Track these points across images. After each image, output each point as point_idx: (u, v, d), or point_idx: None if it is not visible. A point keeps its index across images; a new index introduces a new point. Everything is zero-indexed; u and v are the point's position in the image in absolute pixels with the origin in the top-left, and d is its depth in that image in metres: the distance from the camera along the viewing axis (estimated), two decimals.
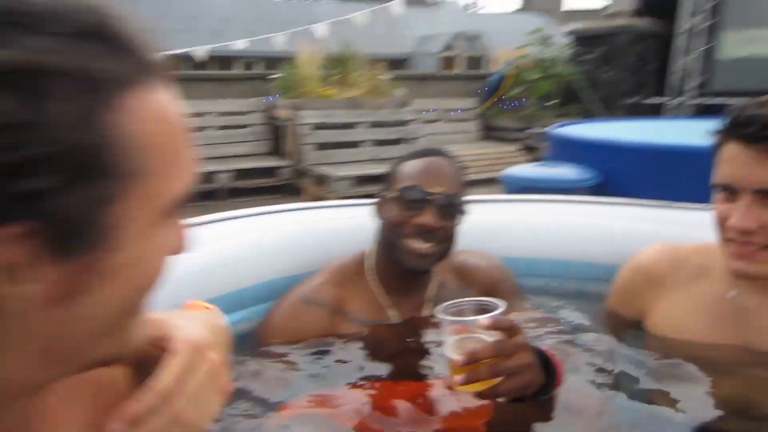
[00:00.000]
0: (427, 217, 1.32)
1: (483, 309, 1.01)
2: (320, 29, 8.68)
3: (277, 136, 7.63)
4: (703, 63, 8.90)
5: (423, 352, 1.37)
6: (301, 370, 1.32)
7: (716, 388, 1.28)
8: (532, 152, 8.14)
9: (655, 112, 9.04)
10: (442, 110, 9.01)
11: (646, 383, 1.28)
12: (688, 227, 1.80)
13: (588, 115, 8.91)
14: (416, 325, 1.44)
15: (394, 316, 1.45)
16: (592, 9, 18.56)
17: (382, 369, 1.33)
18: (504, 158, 7.72)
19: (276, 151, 7.61)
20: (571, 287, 1.92)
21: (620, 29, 9.45)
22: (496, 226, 1.96)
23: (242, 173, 6.89)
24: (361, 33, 8.83)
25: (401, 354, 1.40)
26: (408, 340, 1.44)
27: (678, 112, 8.93)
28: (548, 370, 1.01)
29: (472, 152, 7.81)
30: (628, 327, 1.51)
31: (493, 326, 0.97)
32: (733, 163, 1.20)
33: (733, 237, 1.21)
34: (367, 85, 7.56)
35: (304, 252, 1.74)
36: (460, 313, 1.00)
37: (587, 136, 4.42)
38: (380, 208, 1.44)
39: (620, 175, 3.90)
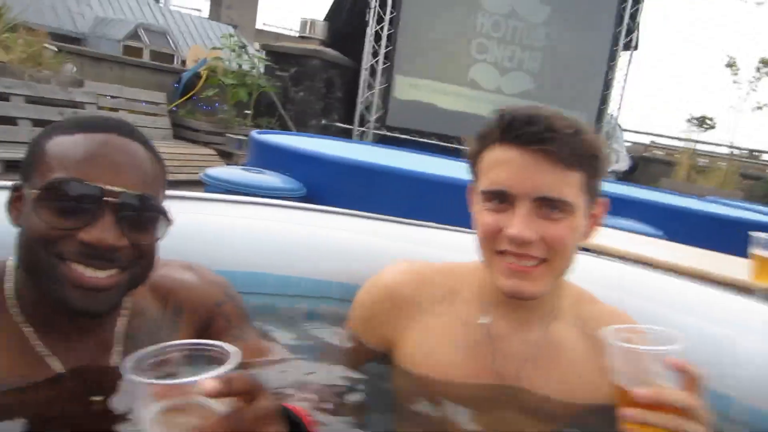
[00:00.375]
0: (101, 231, 0.83)
1: (198, 357, 0.70)
2: None
3: None
4: (383, 99, 10.01)
5: (124, 421, 0.89)
6: None
7: (468, 427, 1.17)
8: (227, 157, 7.85)
9: (342, 135, 9.74)
10: (125, 99, 7.87)
11: (403, 427, 1.14)
12: (415, 244, 1.73)
13: (282, 128, 9.10)
14: (98, 380, 0.94)
15: (58, 368, 0.91)
16: (284, 33, 19.35)
17: None
18: (197, 160, 7.15)
19: None
20: (301, 307, 1.65)
21: (311, 53, 9.98)
22: (206, 231, 1.56)
23: None
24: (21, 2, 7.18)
25: (94, 425, 0.89)
26: (94, 405, 0.91)
27: (363, 138, 9.88)
28: None
29: (164, 151, 6.97)
30: (374, 357, 1.32)
31: (222, 392, 0.63)
32: (508, 168, 1.08)
33: (507, 249, 1.09)
34: (22, 52, 6.10)
35: None
36: (164, 367, 0.68)
37: (295, 146, 4.39)
38: (17, 206, 0.91)
39: (322, 186, 3.94)
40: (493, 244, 1.11)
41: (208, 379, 0.62)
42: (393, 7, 9.67)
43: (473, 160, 1.15)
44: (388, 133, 9.93)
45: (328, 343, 1.34)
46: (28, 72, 6.02)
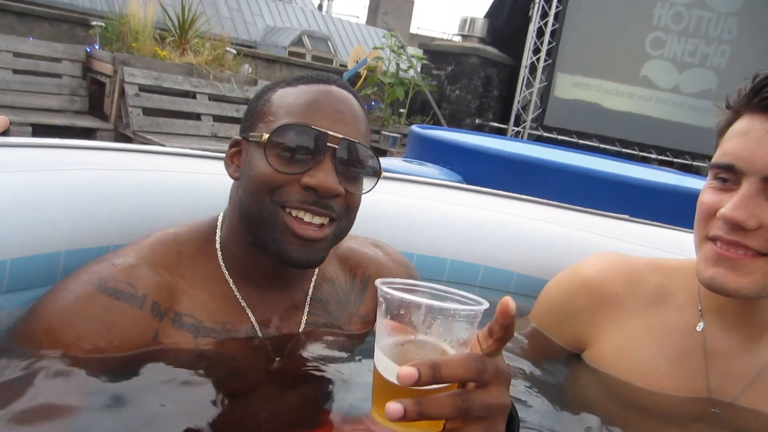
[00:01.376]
0: (325, 174, 0.85)
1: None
2: None
3: (95, 94, 6.45)
4: (542, 98, 9.60)
5: (305, 383, 0.93)
6: (96, 410, 0.76)
7: None
8: (382, 154, 8.04)
9: (497, 134, 9.50)
10: None
11: (586, 427, 1.00)
12: (612, 239, 1.52)
13: (437, 125, 9.13)
14: (285, 341, 0.97)
15: (255, 323, 0.96)
16: (437, 36, 19.62)
17: (241, 413, 0.84)
18: None
19: (93, 110, 6.42)
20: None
21: (469, 51, 9.87)
22: (382, 208, 1.49)
23: (45, 129, 5.64)
24: (203, 11, 7.97)
25: (270, 386, 0.91)
26: (279, 363, 0.94)
27: (518, 137, 9.54)
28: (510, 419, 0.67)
29: None
30: (561, 355, 1.18)
31: (494, 331, 0.59)
32: (744, 139, 0.90)
33: (719, 234, 0.90)
34: (208, 55, 6.74)
35: (111, 213, 1.10)
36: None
37: (455, 139, 4.36)
38: (235, 160, 0.96)
39: (480, 179, 3.85)
40: (705, 227, 0.94)
41: (479, 309, 0.59)
42: (559, 1, 9.23)
43: (720, 133, 0.97)
44: (545, 134, 9.52)
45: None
46: (213, 72, 6.62)
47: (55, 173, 1.09)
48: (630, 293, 1.11)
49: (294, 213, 0.85)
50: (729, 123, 0.95)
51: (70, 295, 0.83)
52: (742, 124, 0.92)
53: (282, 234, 0.86)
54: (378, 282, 0.62)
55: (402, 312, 0.60)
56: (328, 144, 0.85)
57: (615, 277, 1.13)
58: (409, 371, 0.55)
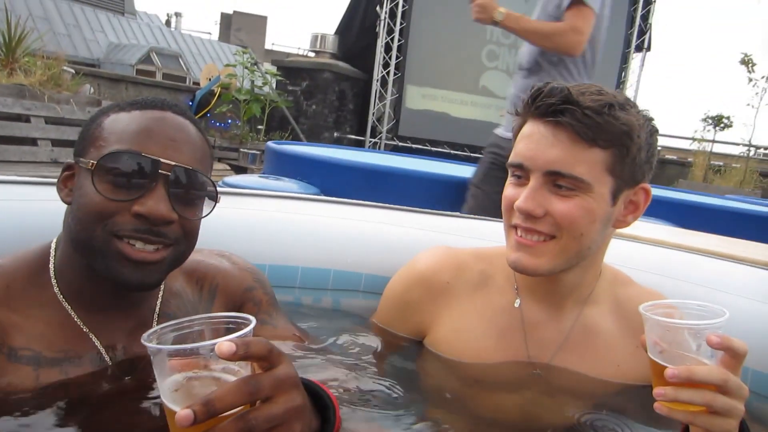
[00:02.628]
0: (156, 202, 0.84)
1: (222, 329, 0.68)
2: None
3: None
4: (395, 109, 10.04)
5: (154, 398, 0.90)
6: None
7: (502, 408, 1.16)
8: (241, 172, 7.90)
9: (355, 146, 9.80)
10: None
11: (432, 408, 1.11)
12: (443, 234, 1.70)
13: (296, 141, 9.17)
14: (134, 359, 0.95)
15: (101, 347, 0.93)
16: (292, 52, 19.55)
17: None
18: (213, 175, 7.20)
19: None
20: (326, 300, 1.63)
21: (323, 66, 10.05)
22: (234, 224, 1.55)
23: None
24: (34, 27, 7.34)
25: (118, 408, 0.89)
26: (127, 384, 0.92)
27: (375, 148, 9.86)
28: (323, 410, 0.73)
29: None
30: (405, 344, 1.30)
31: (238, 354, 0.60)
32: (527, 141, 1.08)
33: (517, 223, 1.09)
34: (42, 74, 6.23)
35: None
36: (183, 340, 0.66)
37: (310, 153, 4.44)
38: (68, 183, 0.93)
39: (337, 191, 3.97)
40: (509, 217, 1.11)
41: (224, 341, 0.59)
42: (403, 18, 9.73)
43: (515, 138, 1.14)
44: (400, 143, 9.94)
45: (355, 333, 1.32)
46: (48, 94, 6.13)
47: None
48: (458, 281, 1.24)
49: (126, 242, 0.85)
50: (519, 127, 1.12)
51: None
52: (527, 128, 1.08)
53: (115, 260, 0.84)
54: (144, 340, 0.63)
55: (189, 352, 0.63)
56: (160, 171, 0.84)
57: (444, 267, 1.25)
58: (185, 414, 0.56)
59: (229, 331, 0.66)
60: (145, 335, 0.64)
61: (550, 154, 1.03)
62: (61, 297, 0.91)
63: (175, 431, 0.62)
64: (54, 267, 0.93)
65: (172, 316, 1.00)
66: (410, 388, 1.11)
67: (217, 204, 0.94)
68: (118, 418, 0.86)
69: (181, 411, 0.56)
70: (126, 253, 0.84)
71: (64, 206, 0.93)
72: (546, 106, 1.03)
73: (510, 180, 1.12)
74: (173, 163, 0.86)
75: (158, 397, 0.83)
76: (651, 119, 1.10)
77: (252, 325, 0.64)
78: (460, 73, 10.18)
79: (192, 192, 0.90)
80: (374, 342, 1.26)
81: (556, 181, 1.04)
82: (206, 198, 0.92)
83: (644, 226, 2.33)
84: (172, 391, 0.62)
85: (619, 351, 1.19)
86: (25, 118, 5.85)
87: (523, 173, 1.08)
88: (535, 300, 1.20)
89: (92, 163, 0.85)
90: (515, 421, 1.12)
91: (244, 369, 0.64)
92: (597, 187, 1.04)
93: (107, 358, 0.92)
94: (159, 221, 0.85)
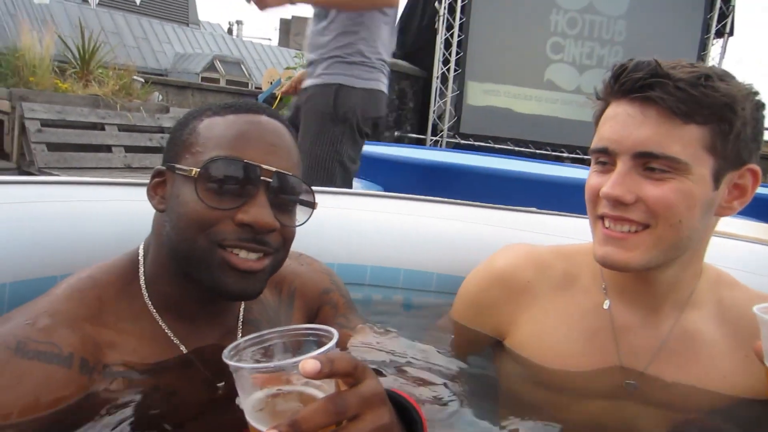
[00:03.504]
0: (259, 210, 0.82)
1: (301, 342, 0.67)
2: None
3: None
4: (455, 107, 9.87)
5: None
6: None
7: (592, 419, 1.06)
8: None
9: (416, 144, 9.69)
10: None
11: (513, 416, 1.03)
12: (522, 231, 1.60)
13: None
14: (222, 366, 0.91)
15: (189, 356, 0.92)
16: None
17: None
18: None
19: None
20: (397, 299, 1.57)
21: None
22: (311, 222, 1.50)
23: None
24: (105, 40, 7.69)
25: (216, 413, 0.87)
26: (218, 394, 0.90)
27: (437, 147, 9.75)
28: (410, 424, 0.69)
29: None
30: (484, 346, 1.23)
31: (323, 373, 0.57)
32: (613, 123, 0.98)
33: (604, 212, 0.98)
34: (114, 84, 6.50)
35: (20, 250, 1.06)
36: (265, 354, 0.66)
37: (372, 152, 4.41)
38: (159, 191, 0.91)
39: (400, 189, 3.92)
40: (594, 208, 1.02)
41: (308, 359, 0.57)
42: (462, 12, 9.56)
43: (596, 122, 1.04)
44: (462, 141, 9.78)
45: (430, 333, 1.28)
46: (120, 102, 6.38)
47: None
48: (539, 280, 1.16)
49: (230, 251, 0.83)
50: (601, 112, 1.02)
51: None
52: (610, 110, 0.99)
53: (219, 269, 0.82)
54: (224, 357, 0.62)
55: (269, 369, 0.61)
56: (261, 177, 0.82)
57: (524, 266, 1.18)
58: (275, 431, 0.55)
59: (310, 344, 0.65)
60: (225, 351, 0.63)
61: (640, 133, 0.93)
62: (151, 307, 0.90)
63: None
64: (144, 276, 0.92)
65: (255, 322, 1.00)
66: (490, 394, 1.07)
67: (312, 211, 0.92)
68: (212, 427, 0.84)
69: (266, 428, 0.56)
70: (232, 262, 0.82)
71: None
72: (632, 82, 0.94)
73: (593, 168, 1.03)
74: (274, 169, 0.84)
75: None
76: (756, 92, 0.97)
77: (335, 340, 0.62)
78: (524, 67, 9.90)
79: (291, 198, 0.88)
80: (449, 343, 1.21)
81: (648, 163, 0.93)
82: (302, 205, 0.91)
83: (735, 223, 2.13)
84: (256, 410, 0.61)
85: (726, 360, 1.06)
86: (100, 127, 6.12)
87: (608, 158, 0.98)
88: (627, 302, 1.09)
89: (195, 171, 0.82)
90: (608, 429, 1.03)
91: (327, 384, 0.62)
92: (696, 167, 0.93)
93: (198, 368, 0.91)
94: (263, 229, 0.82)
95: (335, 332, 0.63)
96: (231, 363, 0.61)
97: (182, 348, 0.91)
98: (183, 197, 0.84)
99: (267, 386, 0.61)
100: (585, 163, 9.26)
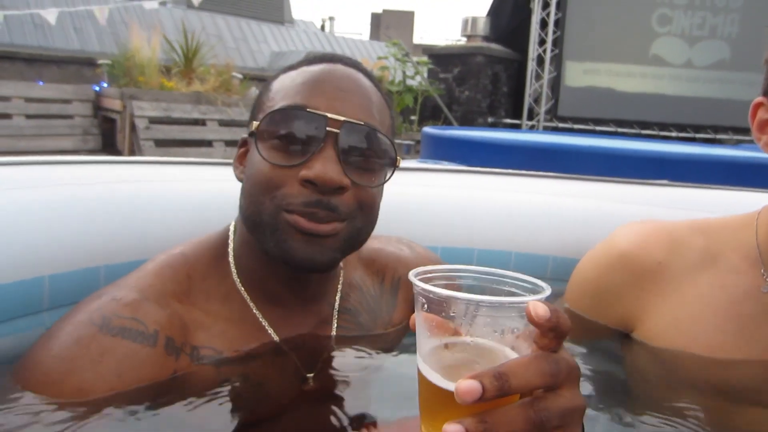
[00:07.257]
0: (323, 164, 0.72)
1: (496, 291, 0.54)
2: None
3: (107, 132, 6.53)
4: (552, 89, 9.44)
5: (341, 400, 0.82)
6: None
7: (754, 422, 0.89)
8: None
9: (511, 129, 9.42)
10: None
11: (653, 416, 0.87)
12: (650, 206, 1.41)
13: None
14: (314, 355, 0.86)
15: (281, 344, 0.85)
16: (441, 44, 19.77)
17: None
18: None
19: (106, 147, 6.53)
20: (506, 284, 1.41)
21: (474, 50, 9.79)
22: (399, 203, 1.37)
23: None
24: (209, 44, 8.08)
25: (304, 407, 0.81)
26: (309, 385, 0.82)
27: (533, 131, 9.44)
28: None
29: None
30: (606, 340, 1.07)
31: (551, 322, 0.46)
32: None
33: None
34: (215, 81, 6.80)
35: (114, 228, 1.03)
36: (453, 288, 0.51)
37: (467, 135, 4.28)
38: (243, 161, 0.84)
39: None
40: None
41: (538, 302, 0.46)
42: None
43: None
44: (560, 124, 9.36)
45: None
46: (221, 99, 6.66)
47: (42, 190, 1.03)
48: (673, 260, 1.00)
49: (296, 216, 0.74)
50: None
51: (69, 339, 0.71)
52: None
53: (284, 233, 0.74)
54: (411, 274, 0.51)
55: (444, 306, 0.50)
56: (327, 128, 0.73)
57: (653, 244, 1.02)
58: (470, 386, 0.44)
59: (504, 294, 0.53)
60: (412, 273, 0.52)
61: None
62: (240, 286, 0.84)
63: (434, 405, 0.50)
64: (233, 254, 0.85)
65: (353, 311, 0.92)
66: (619, 396, 0.94)
67: (396, 169, 0.80)
68: (300, 421, 0.77)
69: (465, 382, 0.44)
70: (298, 225, 0.73)
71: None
72: None
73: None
74: (342, 118, 0.73)
75: (342, 400, 0.81)
76: None
77: (548, 292, 0.50)
78: (627, 43, 9.30)
79: (367, 153, 0.76)
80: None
81: None
82: (381, 163, 0.78)
83: None
84: (435, 357, 0.50)
85: None
86: (202, 122, 6.42)
87: None
88: None
89: (256, 125, 0.75)
90: None
91: (524, 341, 0.50)
92: None
93: (289, 358, 0.84)
94: (328, 187, 0.72)
95: (547, 286, 0.51)
96: (421, 286, 0.50)
97: (272, 334, 0.84)
98: (251, 159, 0.78)
99: (443, 334, 0.51)
100: (696, 142, 8.56)
